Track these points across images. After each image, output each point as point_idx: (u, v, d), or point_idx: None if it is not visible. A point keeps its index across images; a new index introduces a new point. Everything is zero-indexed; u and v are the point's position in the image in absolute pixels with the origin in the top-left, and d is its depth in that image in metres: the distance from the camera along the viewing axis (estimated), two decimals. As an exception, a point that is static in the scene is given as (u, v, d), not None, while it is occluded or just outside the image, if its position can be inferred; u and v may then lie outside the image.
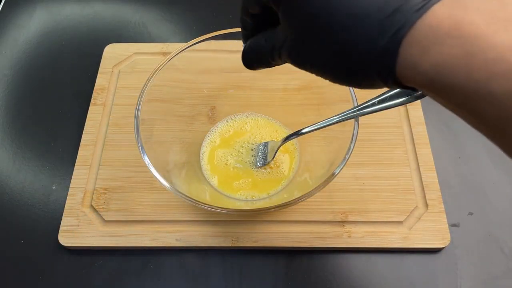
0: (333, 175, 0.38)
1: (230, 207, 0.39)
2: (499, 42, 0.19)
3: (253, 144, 0.50)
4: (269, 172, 0.48)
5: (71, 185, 0.48)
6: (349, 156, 0.39)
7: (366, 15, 0.22)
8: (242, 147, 0.50)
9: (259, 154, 0.49)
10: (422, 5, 0.20)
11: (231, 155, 0.49)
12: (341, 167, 0.38)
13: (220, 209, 0.38)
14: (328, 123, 0.42)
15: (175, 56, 0.45)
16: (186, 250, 0.45)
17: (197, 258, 0.45)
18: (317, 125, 0.42)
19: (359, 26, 0.22)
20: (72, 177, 0.49)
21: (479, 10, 0.20)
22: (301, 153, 0.50)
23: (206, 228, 0.45)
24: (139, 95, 0.42)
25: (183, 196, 0.38)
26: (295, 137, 0.45)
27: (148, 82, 0.43)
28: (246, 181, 0.48)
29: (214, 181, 0.48)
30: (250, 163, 0.49)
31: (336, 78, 0.25)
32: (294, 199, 0.38)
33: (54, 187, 0.49)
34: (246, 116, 0.52)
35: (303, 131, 0.43)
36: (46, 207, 0.48)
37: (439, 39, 0.20)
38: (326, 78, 0.26)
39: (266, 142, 0.49)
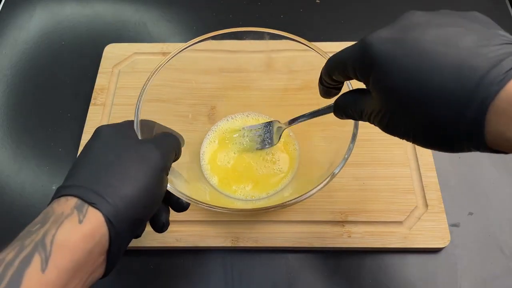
0: (333, 175, 0.38)
1: (230, 207, 0.39)
2: None
3: (255, 130, 0.49)
4: (269, 172, 0.48)
5: (71, 185, 0.48)
6: (349, 156, 0.39)
7: (452, 90, 0.23)
8: (245, 135, 0.49)
9: (266, 134, 0.48)
10: (503, 78, 0.21)
11: (235, 143, 0.49)
12: (341, 167, 0.38)
13: (220, 209, 0.38)
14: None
15: (175, 56, 0.45)
16: (186, 250, 0.45)
17: (197, 258, 0.45)
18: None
19: (447, 101, 0.23)
20: (72, 177, 0.49)
21: None
22: (301, 153, 0.49)
23: (206, 228, 0.45)
24: (139, 95, 0.42)
25: (183, 196, 0.38)
26: (302, 120, 0.42)
27: (148, 82, 0.43)
28: (246, 181, 0.48)
29: (214, 181, 0.48)
30: (253, 149, 0.49)
31: (427, 145, 0.26)
32: (294, 199, 0.38)
33: (54, 187, 0.49)
34: (246, 116, 0.52)
35: (310, 112, 0.41)
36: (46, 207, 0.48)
37: None
38: (416, 144, 0.27)
39: (270, 122, 0.48)
